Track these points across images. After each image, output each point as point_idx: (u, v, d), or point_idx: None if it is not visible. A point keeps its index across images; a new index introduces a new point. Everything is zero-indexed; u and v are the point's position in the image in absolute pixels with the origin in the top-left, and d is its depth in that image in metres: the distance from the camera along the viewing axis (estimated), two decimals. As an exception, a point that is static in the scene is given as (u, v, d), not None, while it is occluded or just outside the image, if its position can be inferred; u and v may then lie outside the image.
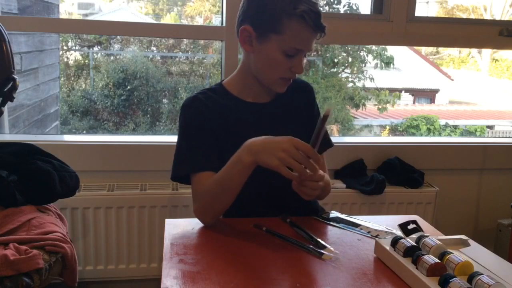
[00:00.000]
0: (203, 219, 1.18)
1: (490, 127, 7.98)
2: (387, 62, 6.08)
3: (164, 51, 6.01)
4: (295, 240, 1.08)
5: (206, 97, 1.28)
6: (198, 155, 1.23)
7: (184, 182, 1.28)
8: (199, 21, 6.73)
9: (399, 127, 7.28)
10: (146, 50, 5.84)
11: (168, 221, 1.19)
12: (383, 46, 5.89)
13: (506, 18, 7.92)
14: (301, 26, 1.14)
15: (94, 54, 5.85)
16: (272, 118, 1.29)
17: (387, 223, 1.21)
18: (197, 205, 1.20)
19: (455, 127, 7.61)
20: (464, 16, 8.74)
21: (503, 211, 2.36)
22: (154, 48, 6.01)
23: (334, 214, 1.28)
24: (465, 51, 9.50)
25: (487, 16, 8.59)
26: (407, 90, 8.98)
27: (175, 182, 1.30)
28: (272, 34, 1.16)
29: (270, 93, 1.31)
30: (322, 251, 1.03)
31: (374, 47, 6.00)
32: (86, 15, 6.54)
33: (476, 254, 1.02)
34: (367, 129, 7.44)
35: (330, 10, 5.17)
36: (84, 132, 5.18)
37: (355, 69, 6.13)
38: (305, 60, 1.24)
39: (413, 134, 6.90)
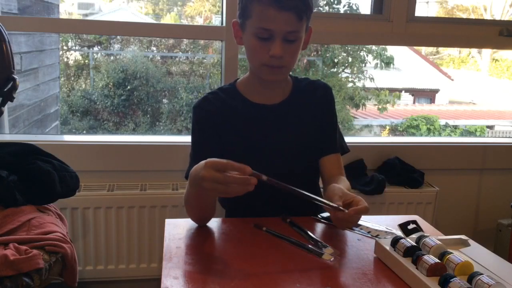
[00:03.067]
0: (191, 219, 1.19)
1: (490, 127, 7.98)
2: (387, 62, 6.08)
3: (164, 51, 6.01)
4: (295, 240, 1.08)
5: (216, 98, 1.29)
6: (198, 157, 1.24)
7: None
8: (199, 21, 6.73)
9: (399, 127, 7.28)
10: (146, 50, 5.83)
11: (168, 221, 1.19)
12: (383, 46, 5.89)
13: (506, 18, 7.92)
14: (261, 6, 1.15)
15: (94, 54, 5.85)
16: (279, 120, 1.29)
17: (387, 223, 1.21)
18: (185, 207, 1.20)
19: (455, 127, 7.61)
20: (464, 16, 8.74)
21: (503, 211, 2.36)
22: (154, 48, 6.01)
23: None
24: (465, 51, 9.49)
25: (487, 16, 8.58)
26: (407, 90, 8.98)
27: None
28: (246, 20, 1.19)
29: (279, 94, 1.30)
30: (322, 251, 1.03)
31: (374, 47, 5.99)
32: (86, 15, 6.54)
33: (476, 254, 1.02)
34: (367, 129, 7.44)
35: (330, 10, 5.17)
36: (84, 132, 5.18)
37: (355, 69, 6.12)
38: (293, 49, 1.19)
39: (413, 134, 6.90)
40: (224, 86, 1.34)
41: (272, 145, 1.27)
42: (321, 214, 1.26)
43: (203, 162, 0.98)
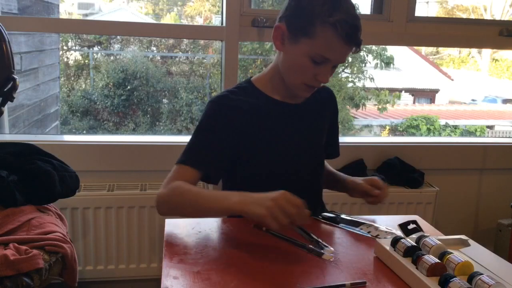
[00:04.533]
0: (160, 209, 1.18)
1: (490, 127, 7.98)
2: (387, 62, 6.08)
3: (164, 51, 6.01)
4: (295, 240, 1.08)
5: (235, 96, 1.26)
6: (195, 151, 1.23)
7: None
8: (199, 21, 6.73)
9: (399, 127, 7.28)
10: (146, 50, 5.84)
11: (168, 221, 1.19)
12: (383, 46, 5.89)
13: (506, 18, 7.92)
14: (332, 35, 1.11)
15: (94, 54, 5.85)
16: (301, 119, 1.29)
17: (387, 223, 1.21)
18: (164, 193, 1.17)
19: (455, 127, 7.61)
20: (464, 16, 8.74)
21: (503, 211, 2.36)
22: (154, 48, 6.01)
23: (334, 214, 1.28)
24: (465, 51, 9.50)
25: (487, 16, 8.59)
26: (407, 90, 8.98)
27: None
28: (303, 37, 1.14)
29: (296, 96, 1.29)
30: (322, 251, 1.03)
31: (374, 47, 5.99)
32: (86, 15, 6.54)
33: (476, 254, 1.02)
34: (367, 129, 7.44)
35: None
36: (84, 132, 5.18)
37: (355, 69, 6.12)
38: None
39: (413, 134, 6.90)
40: (240, 84, 1.32)
41: (295, 143, 1.28)
42: (322, 214, 1.27)
43: (276, 192, 0.99)
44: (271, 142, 1.25)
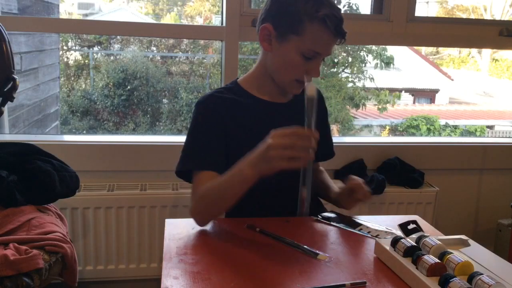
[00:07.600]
0: (197, 220, 1.17)
1: (490, 127, 7.98)
2: (387, 62, 6.08)
3: (164, 51, 6.01)
4: (290, 241, 1.08)
5: (222, 96, 1.27)
6: (203, 153, 1.23)
7: (187, 179, 1.28)
8: (199, 21, 6.73)
9: (399, 127, 7.28)
10: (146, 50, 5.84)
11: (168, 221, 1.19)
12: (383, 46, 5.89)
13: (506, 18, 7.92)
14: (322, 29, 1.13)
15: (94, 54, 5.85)
16: (288, 119, 1.27)
17: (387, 223, 1.21)
18: (193, 205, 1.19)
19: (455, 127, 7.61)
20: (464, 16, 8.74)
21: (503, 211, 2.36)
22: (154, 48, 6.01)
23: (334, 214, 1.28)
24: (465, 51, 9.50)
25: (487, 16, 8.59)
26: (407, 90, 8.98)
27: (179, 178, 1.29)
28: (292, 35, 1.15)
29: (286, 94, 1.30)
30: (317, 251, 1.03)
31: (374, 47, 5.99)
32: (86, 15, 6.54)
33: (476, 254, 1.02)
34: (367, 129, 7.44)
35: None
36: (84, 132, 5.18)
37: (355, 69, 6.13)
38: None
39: (413, 134, 6.90)
40: (227, 85, 1.32)
41: None
42: (321, 214, 1.26)
43: (266, 138, 1.00)
44: (256, 141, 1.25)
